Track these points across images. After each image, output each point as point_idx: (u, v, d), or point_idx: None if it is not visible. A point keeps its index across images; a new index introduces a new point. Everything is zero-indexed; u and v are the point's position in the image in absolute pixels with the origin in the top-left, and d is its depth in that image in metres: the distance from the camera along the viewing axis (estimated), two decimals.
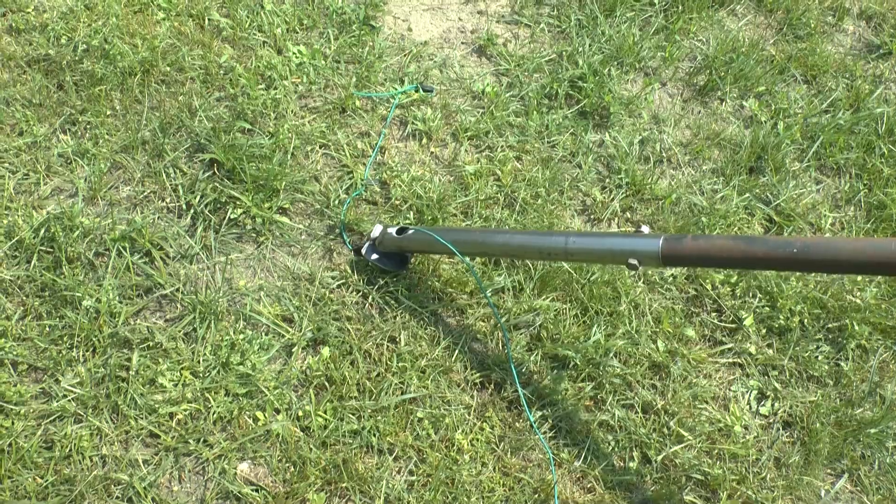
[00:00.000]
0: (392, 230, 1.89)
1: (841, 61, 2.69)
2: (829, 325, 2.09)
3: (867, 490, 1.90)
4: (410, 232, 1.86)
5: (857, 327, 2.07)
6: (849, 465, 1.92)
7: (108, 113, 2.14)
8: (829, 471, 1.93)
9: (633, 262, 1.49)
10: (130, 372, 1.76)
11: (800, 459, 1.90)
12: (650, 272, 2.08)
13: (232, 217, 2.00)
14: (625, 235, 1.56)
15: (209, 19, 2.36)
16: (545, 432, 1.84)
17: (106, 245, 1.92)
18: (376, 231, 1.94)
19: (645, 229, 1.53)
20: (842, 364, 2.04)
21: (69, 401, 1.72)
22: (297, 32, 2.39)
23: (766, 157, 2.37)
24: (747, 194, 2.29)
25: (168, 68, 2.22)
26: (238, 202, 2.00)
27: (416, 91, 2.31)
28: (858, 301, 2.12)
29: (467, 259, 1.96)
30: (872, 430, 1.93)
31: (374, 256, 1.94)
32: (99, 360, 1.78)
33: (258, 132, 2.13)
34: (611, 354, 1.93)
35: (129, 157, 2.08)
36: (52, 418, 1.71)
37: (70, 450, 1.67)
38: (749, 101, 2.53)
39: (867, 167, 2.42)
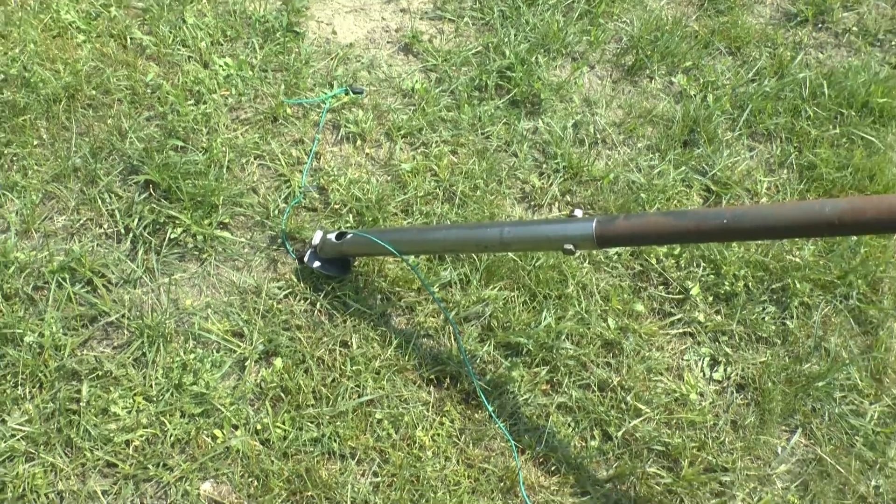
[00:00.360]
0: (331, 236, 1.89)
1: (762, 31, 2.76)
2: (773, 286, 2.15)
3: (820, 442, 1.96)
4: (349, 236, 1.86)
5: (798, 285, 2.13)
6: (801, 420, 1.98)
7: (35, 143, 2.09)
8: (783, 427, 1.98)
9: (569, 247, 1.51)
10: (81, 404, 1.73)
11: (755, 420, 1.95)
12: (594, 252, 2.12)
13: (172, 237, 1.97)
14: (558, 221, 1.57)
15: (131, 38, 2.32)
16: (505, 420, 1.86)
17: (45, 278, 1.88)
18: (317, 238, 1.93)
19: (578, 213, 1.55)
20: (787, 322, 2.10)
21: (18, 440, 1.68)
22: (222, 44, 2.36)
23: (698, 129, 2.42)
24: (683, 167, 2.33)
25: (94, 92, 2.18)
26: (177, 221, 1.98)
27: (346, 94, 2.30)
28: (798, 260, 2.18)
29: (410, 258, 1.96)
30: (820, 384, 1.99)
31: (317, 263, 1.93)
32: (47, 395, 1.74)
33: (191, 149, 2.11)
34: (563, 337, 1.96)
35: (62, 186, 2.03)
36: (1, 459, 1.67)
37: (23, 489, 1.64)
38: (677, 76, 2.58)
39: (796, 130, 2.49)
